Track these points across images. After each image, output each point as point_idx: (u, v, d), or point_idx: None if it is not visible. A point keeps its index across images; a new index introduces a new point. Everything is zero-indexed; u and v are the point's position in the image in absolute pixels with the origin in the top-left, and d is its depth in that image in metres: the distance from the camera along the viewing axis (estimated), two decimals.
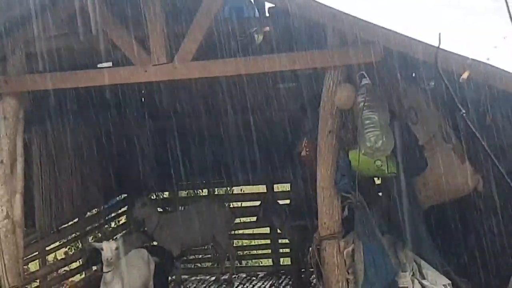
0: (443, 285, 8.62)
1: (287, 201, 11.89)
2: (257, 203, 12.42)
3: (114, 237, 12.08)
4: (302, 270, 11.33)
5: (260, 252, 13.36)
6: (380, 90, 8.18)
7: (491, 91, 7.55)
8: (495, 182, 8.87)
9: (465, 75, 7.11)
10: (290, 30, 8.05)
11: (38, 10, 8.09)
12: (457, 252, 9.31)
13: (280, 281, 11.93)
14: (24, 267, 9.08)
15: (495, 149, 8.14)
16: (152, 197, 12.65)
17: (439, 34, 7.06)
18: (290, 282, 11.64)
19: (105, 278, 9.12)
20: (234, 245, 13.03)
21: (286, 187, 12.27)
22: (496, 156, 7.99)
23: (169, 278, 11.52)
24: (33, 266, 10.20)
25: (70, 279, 10.89)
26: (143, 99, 11.52)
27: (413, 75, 8.78)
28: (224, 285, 12.11)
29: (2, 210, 8.38)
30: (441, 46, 7.03)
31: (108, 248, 8.98)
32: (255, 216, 12.45)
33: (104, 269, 9.11)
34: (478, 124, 8.09)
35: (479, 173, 8.69)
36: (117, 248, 9.06)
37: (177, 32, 8.19)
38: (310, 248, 8.57)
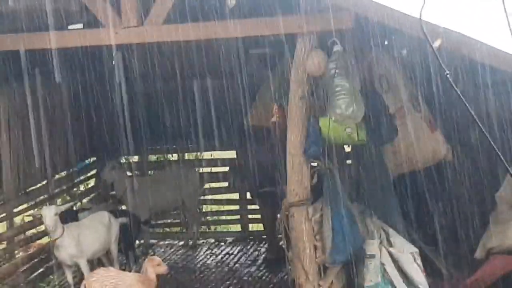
0: (410, 253, 8.67)
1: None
2: (227, 168, 12.48)
3: (83, 200, 12.11)
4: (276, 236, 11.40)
5: (229, 217, 13.40)
6: (352, 57, 8.18)
7: (463, 60, 7.57)
8: (466, 151, 8.95)
9: (437, 43, 7.12)
10: None
11: None
12: (426, 221, 9.38)
13: (248, 247, 11.97)
14: None
15: (466, 118, 8.22)
16: (122, 161, 12.64)
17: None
18: (258, 248, 11.68)
19: (56, 243, 9.14)
20: (203, 210, 13.05)
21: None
22: (466, 125, 8.07)
23: (137, 242, 11.54)
24: (1, 228, 10.19)
25: (38, 242, 10.90)
26: (113, 61, 11.45)
27: (386, 43, 8.79)
28: (191, 250, 12.15)
29: None
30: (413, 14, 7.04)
31: (46, 215, 8.98)
32: (225, 182, 12.53)
33: (51, 237, 9.13)
34: (454, 96, 8.12)
35: (450, 141, 8.75)
36: (56, 214, 9.05)
37: None
38: (279, 215, 8.62)
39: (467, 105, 4.84)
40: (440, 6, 7.24)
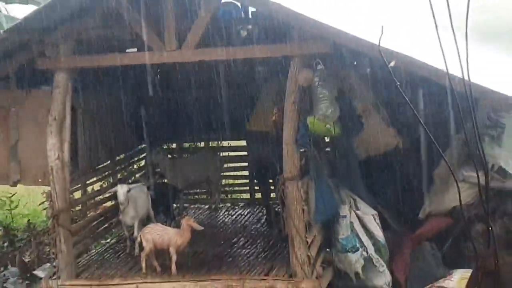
0: (372, 214, 8.79)
1: None
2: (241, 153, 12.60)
3: (136, 175, 12.17)
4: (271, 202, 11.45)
5: (241, 188, 13.42)
6: (330, 73, 8.26)
7: (411, 76, 7.64)
8: (411, 141, 9.02)
9: (392, 63, 7.18)
10: (267, 28, 8.10)
11: (83, 8, 8.15)
12: (384, 191, 9.44)
13: (254, 210, 12.03)
14: (70, 195, 9.13)
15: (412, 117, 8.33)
16: (164, 147, 12.70)
17: (382, 26, 7.09)
18: (262, 211, 11.72)
19: (123, 210, 9.32)
20: (223, 183, 13.09)
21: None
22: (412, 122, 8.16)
23: (175, 205, 11.62)
24: (77, 195, 10.27)
25: (103, 205, 10.97)
26: (158, 75, 11.51)
27: (355, 63, 8.86)
28: (213, 212, 12.23)
29: (54, 153, 8.44)
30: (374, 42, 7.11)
31: (120, 192, 9.14)
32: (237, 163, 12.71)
33: (120, 207, 9.28)
34: (403, 99, 8.19)
35: (400, 134, 8.82)
36: (128, 190, 9.20)
37: (183, 28, 8.23)
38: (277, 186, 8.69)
39: (413, 108, 4.92)
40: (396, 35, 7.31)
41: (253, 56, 8.42)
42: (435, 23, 4.11)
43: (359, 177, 9.14)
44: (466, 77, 3.56)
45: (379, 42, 4.85)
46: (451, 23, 3.52)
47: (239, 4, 8.54)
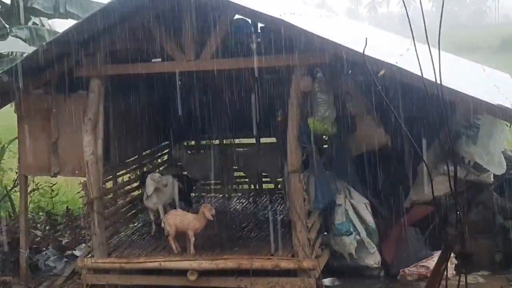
0: (364, 203, 8.88)
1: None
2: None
3: (160, 168, 12.20)
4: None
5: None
6: (328, 80, 8.32)
7: (399, 82, 7.69)
8: (399, 140, 9.07)
9: (382, 72, 7.23)
10: (274, 41, 8.14)
11: (115, 23, 8.23)
12: (375, 183, 9.48)
13: (262, 199, 11.97)
14: (103, 185, 9.22)
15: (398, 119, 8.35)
16: (184, 144, 12.72)
17: (366, 39, 7.16)
18: (268, 199, 11.69)
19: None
20: (235, 175, 12.99)
21: (271, 140, 12.21)
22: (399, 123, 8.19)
23: (193, 194, 11.67)
24: (108, 185, 10.33)
25: (131, 194, 11.04)
26: (180, 81, 11.51)
27: (350, 71, 8.90)
28: (226, 200, 12.24)
29: (90, 149, 8.53)
30: (369, 54, 7.17)
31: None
32: None
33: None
34: (390, 103, 8.25)
35: (389, 134, 8.87)
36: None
37: (201, 41, 8.30)
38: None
39: (393, 109, 5.02)
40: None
41: (261, 66, 8.45)
42: (413, 36, 4.18)
43: (353, 170, 9.20)
44: (441, 84, 3.63)
45: (364, 52, 4.93)
46: (427, 38, 3.59)
47: (249, 20, 8.58)
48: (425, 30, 3.50)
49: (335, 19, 14.04)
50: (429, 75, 4.17)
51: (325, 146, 9.85)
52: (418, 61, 3.69)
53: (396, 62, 7.40)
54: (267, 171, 11.73)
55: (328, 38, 7.59)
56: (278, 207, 10.91)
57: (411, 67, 7.18)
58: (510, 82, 10.89)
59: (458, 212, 4.27)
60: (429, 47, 3.59)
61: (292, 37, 7.76)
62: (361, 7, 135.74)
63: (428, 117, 8.57)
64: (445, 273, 4.18)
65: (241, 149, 12.42)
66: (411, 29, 4.15)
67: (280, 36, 7.84)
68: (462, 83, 8.37)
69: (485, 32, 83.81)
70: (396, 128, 8.71)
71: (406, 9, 4.25)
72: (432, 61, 3.63)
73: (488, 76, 10.94)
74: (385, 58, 7.35)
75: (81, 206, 12.56)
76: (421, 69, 3.71)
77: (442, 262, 4.07)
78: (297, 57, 7.93)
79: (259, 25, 8.71)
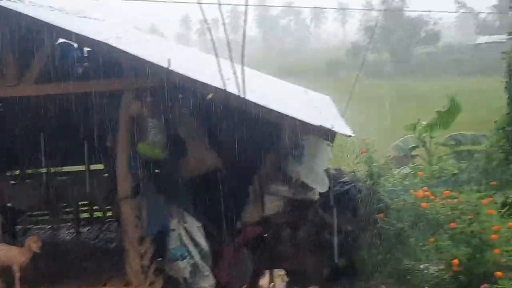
0: (197, 226, 8.85)
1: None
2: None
3: None
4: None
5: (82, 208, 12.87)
6: (159, 104, 8.28)
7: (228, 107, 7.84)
8: (231, 162, 9.21)
9: (210, 96, 7.36)
10: (104, 64, 7.97)
11: None
12: (208, 205, 9.51)
13: (93, 227, 11.61)
14: None
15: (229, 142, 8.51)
16: (7, 174, 11.97)
17: (169, 60, 7.29)
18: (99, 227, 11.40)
19: None
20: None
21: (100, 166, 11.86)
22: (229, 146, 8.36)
23: (18, 227, 11.06)
24: None
25: None
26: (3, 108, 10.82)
27: (180, 96, 8.93)
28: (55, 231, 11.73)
29: None
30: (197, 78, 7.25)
31: None
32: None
33: None
34: (221, 126, 8.42)
35: (220, 156, 8.99)
36: None
37: (23, 65, 7.93)
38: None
39: (229, 131, 5.10)
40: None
41: (88, 90, 8.23)
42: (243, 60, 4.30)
43: (186, 194, 9.17)
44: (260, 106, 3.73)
45: (168, 69, 4.97)
46: (243, 60, 3.71)
47: (75, 44, 8.33)
48: (243, 54, 3.60)
49: (166, 44, 14.08)
50: (254, 97, 4.30)
51: (157, 170, 9.76)
52: (241, 85, 3.78)
53: (224, 86, 7.54)
54: (96, 199, 11.39)
55: (157, 62, 7.57)
56: (110, 235, 10.64)
57: (239, 90, 7.36)
58: (330, 104, 11.51)
59: (288, 230, 4.40)
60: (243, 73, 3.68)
61: (120, 61, 7.65)
62: (191, 32, 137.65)
63: (257, 138, 8.80)
64: None
65: (67, 177, 11.94)
66: (244, 53, 4.25)
67: (108, 60, 7.71)
68: (288, 106, 8.74)
69: (309, 57, 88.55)
70: (227, 150, 8.85)
71: (227, 36, 4.35)
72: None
73: (310, 98, 11.50)
74: (213, 82, 7.48)
75: None
76: (241, 92, 3.80)
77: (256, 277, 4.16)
78: (125, 81, 7.83)
79: (86, 49, 8.50)
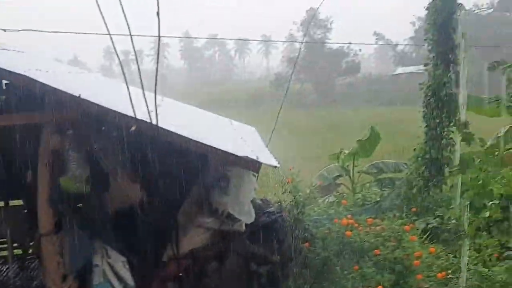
0: (122, 261, 8.66)
1: None
2: None
3: None
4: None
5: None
6: (81, 137, 8.11)
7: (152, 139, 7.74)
8: (156, 194, 9.09)
9: (133, 128, 7.25)
10: (24, 97, 7.75)
11: None
12: (133, 239, 9.34)
13: (12, 265, 11.10)
14: None
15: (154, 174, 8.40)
16: None
17: (79, 95, 7.20)
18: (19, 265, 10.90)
19: None
20: None
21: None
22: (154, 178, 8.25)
23: None
24: None
25: None
26: None
27: (103, 128, 8.78)
28: None
29: None
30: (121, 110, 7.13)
31: None
32: None
33: None
34: (145, 159, 8.29)
35: (143, 189, 8.87)
36: None
37: None
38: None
39: (154, 164, 5.04)
40: None
41: (8, 124, 7.96)
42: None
43: (110, 228, 8.97)
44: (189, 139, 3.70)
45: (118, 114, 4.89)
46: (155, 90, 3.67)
47: None
48: (155, 84, 3.56)
49: (88, 76, 13.86)
50: (179, 129, 4.26)
51: (79, 205, 9.51)
52: (156, 117, 3.74)
53: (147, 118, 7.44)
54: (14, 236, 10.95)
55: (78, 94, 7.42)
56: (31, 273, 10.25)
57: (162, 122, 7.29)
58: (255, 135, 11.58)
59: (214, 263, 4.35)
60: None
61: (40, 94, 7.46)
62: (114, 64, 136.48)
63: (183, 170, 8.73)
64: None
65: None
66: (156, 82, 4.21)
67: (28, 93, 7.50)
68: (214, 137, 8.72)
69: (234, 88, 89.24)
70: (152, 182, 8.73)
71: (157, 68, 4.31)
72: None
73: (235, 129, 11.54)
74: (136, 114, 7.36)
75: None
76: (159, 122, 3.76)
77: None
78: (45, 114, 7.63)
79: (4, 82, 8.26)
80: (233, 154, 7.61)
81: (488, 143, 14.67)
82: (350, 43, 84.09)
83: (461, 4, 13.86)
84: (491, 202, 10.31)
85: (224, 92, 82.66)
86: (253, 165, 7.72)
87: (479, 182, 10.91)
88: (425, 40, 14.20)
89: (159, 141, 7.77)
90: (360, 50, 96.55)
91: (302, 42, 69.75)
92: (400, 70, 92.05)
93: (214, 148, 7.52)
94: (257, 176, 9.24)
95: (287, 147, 20.78)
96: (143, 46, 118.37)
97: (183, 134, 7.54)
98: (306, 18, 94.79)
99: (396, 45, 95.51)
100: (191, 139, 7.52)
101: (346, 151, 16.91)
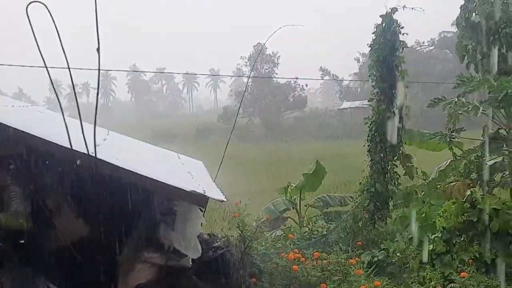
0: None
1: None
2: None
3: None
4: None
5: None
6: (23, 172, 7.92)
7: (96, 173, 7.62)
8: (101, 230, 8.92)
9: (78, 163, 7.14)
10: None
11: None
12: (77, 276, 9.10)
13: None
14: None
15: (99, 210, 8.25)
16: None
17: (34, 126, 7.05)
18: None
19: None
20: None
21: None
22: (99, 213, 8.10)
23: None
24: None
25: None
26: None
27: (47, 162, 8.60)
28: None
29: None
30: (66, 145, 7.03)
31: None
32: None
33: None
34: (90, 194, 8.16)
35: (87, 225, 8.70)
36: None
37: None
38: None
39: (98, 199, 4.85)
40: None
41: None
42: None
43: (53, 265, 8.73)
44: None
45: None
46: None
47: None
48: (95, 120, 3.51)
49: (33, 110, 13.60)
50: (124, 163, 4.20)
51: (22, 241, 9.24)
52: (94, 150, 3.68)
53: (92, 152, 7.34)
54: None
55: (20, 128, 7.26)
56: None
57: (107, 156, 7.21)
58: (202, 169, 11.54)
59: None
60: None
61: None
62: (61, 97, 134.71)
63: (129, 205, 8.60)
64: None
65: None
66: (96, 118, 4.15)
67: None
68: (160, 171, 8.65)
69: (182, 121, 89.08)
70: (97, 218, 8.57)
71: (97, 101, 4.26)
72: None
73: (182, 163, 11.48)
74: (82, 148, 7.26)
75: None
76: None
77: None
78: None
79: None
80: (179, 189, 7.54)
81: (431, 177, 15.03)
82: (296, 78, 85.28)
83: (403, 42, 14.26)
84: (433, 235, 10.51)
85: (171, 125, 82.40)
86: (200, 200, 7.66)
87: (422, 215, 11.14)
88: (369, 76, 14.52)
89: (104, 175, 7.65)
90: (306, 85, 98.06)
91: (249, 77, 70.49)
92: (345, 104, 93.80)
93: (160, 182, 7.44)
94: (204, 211, 9.18)
95: (235, 180, 20.77)
96: (89, 79, 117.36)
97: (128, 168, 7.45)
98: (253, 52, 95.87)
99: (342, 80, 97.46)
100: (136, 173, 7.43)
101: (293, 185, 17.00)
